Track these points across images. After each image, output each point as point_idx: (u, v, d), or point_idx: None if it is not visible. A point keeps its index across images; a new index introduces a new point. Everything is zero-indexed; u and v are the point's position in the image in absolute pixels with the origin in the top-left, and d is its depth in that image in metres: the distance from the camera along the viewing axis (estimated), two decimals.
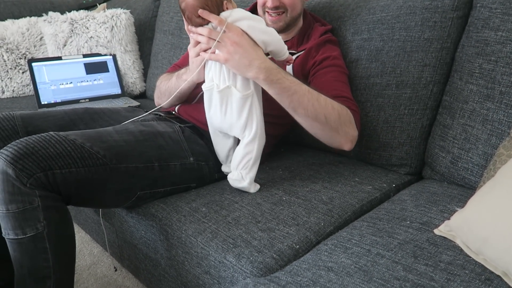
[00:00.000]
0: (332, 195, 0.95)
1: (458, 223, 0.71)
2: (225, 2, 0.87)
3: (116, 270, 1.28)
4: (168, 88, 1.12)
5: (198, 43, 0.89)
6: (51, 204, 0.79)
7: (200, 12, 0.84)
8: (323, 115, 0.89)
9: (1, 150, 0.78)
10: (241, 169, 0.93)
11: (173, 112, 1.15)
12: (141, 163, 0.90)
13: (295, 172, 1.07)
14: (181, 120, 1.11)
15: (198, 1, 0.84)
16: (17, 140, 0.80)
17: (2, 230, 0.80)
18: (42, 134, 0.82)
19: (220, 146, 1.01)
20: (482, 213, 0.66)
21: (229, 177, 0.96)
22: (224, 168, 1.05)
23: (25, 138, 0.81)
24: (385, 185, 1.01)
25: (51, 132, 0.83)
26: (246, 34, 0.85)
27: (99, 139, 0.87)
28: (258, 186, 0.97)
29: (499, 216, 0.63)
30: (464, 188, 0.95)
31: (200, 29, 0.86)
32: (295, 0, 1.08)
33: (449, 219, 0.76)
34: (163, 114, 1.15)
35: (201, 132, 1.06)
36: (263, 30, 0.87)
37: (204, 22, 0.87)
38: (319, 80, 1.02)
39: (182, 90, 1.04)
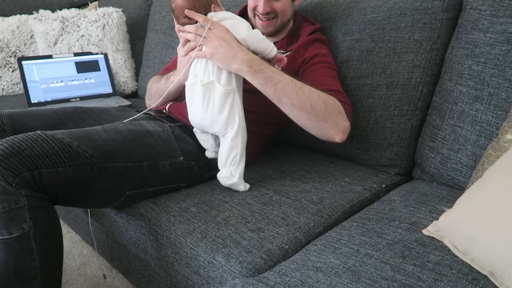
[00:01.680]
0: (322, 195, 0.95)
1: (446, 223, 0.71)
2: (212, 5, 0.93)
3: (105, 278, 1.27)
4: (157, 90, 1.13)
5: (186, 42, 0.94)
6: (37, 203, 0.78)
7: (187, 12, 0.89)
8: (308, 104, 0.89)
9: None
10: (229, 166, 0.94)
11: (164, 111, 1.15)
12: (130, 162, 0.90)
13: (286, 172, 1.07)
14: (171, 119, 1.10)
15: (186, 2, 0.90)
16: (2, 139, 0.79)
17: None
18: (29, 133, 0.81)
19: (205, 144, 1.03)
20: (469, 214, 0.67)
21: (219, 175, 0.96)
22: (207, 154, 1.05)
23: (11, 137, 0.80)
24: (375, 185, 1.01)
25: (38, 131, 0.82)
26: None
27: (87, 138, 0.86)
28: (248, 185, 0.97)
29: (485, 217, 0.64)
30: (453, 189, 0.95)
31: (187, 27, 0.91)
32: (286, 6, 1.09)
33: (437, 219, 0.76)
34: (153, 114, 1.14)
35: (191, 131, 1.06)
36: (243, 29, 0.91)
37: (191, 22, 0.92)
38: (308, 77, 1.02)
39: (170, 92, 1.06)
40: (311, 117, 0.91)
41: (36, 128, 1.02)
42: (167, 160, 0.97)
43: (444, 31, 1.01)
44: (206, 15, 0.91)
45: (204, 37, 0.89)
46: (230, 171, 0.94)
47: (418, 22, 1.02)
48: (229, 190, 0.97)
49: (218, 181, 0.99)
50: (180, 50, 0.97)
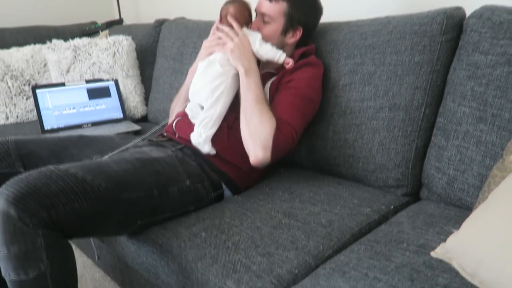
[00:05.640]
0: (331, 218, 0.96)
1: (454, 245, 0.72)
2: (250, 24, 1.21)
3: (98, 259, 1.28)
4: (180, 93, 1.34)
5: (216, 39, 1.19)
6: (54, 241, 0.79)
7: (230, 19, 1.16)
8: (249, 126, 1.07)
9: (1, 189, 0.77)
10: (201, 128, 1.11)
11: (164, 134, 1.20)
12: (142, 191, 0.92)
13: (295, 194, 1.09)
14: (173, 143, 1.15)
15: (235, 12, 1.18)
16: (16, 178, 0.80)
17: (2, 270, 0.79)
18: (42, 169, 0.83)
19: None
20: (476, 236, 0.67)
21: (191, 134, 1.12)
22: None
23: (25, 174, 0.81)
24: (383, 207, 1.02)
25: (51, 166, 0.84)
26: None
27: (99, 171, 0.89)
28: (214, 151, 1.11)
29: (492, 239, 0.64)
30: (461, 209, 0.96)
31: (225, 27, 1.16)
32: (269, 34, 1.17)
33: (445, 241, 0.77)
34: (154, 139, 1.18)
35: (193, 152, 1.11)
36: (256, 43, 1.15)
37: (230, 26, 1.18)
38: (273, 99, 1.14)
39: (187, 84, 1.27)
40: (243, 130, 1.08)
41: (41, 153, 1.07)
42: (175, 185, 1.00)
43: (444, 53, 1.03)
44: (246, 26, 1.19)
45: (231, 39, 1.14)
46: (200, 132, 1.11)
47: (417, 45, 1.04)
48: (239, 213, 0.99)
49: (226, 203, 1.01)
50: (207, 42, 1.21)
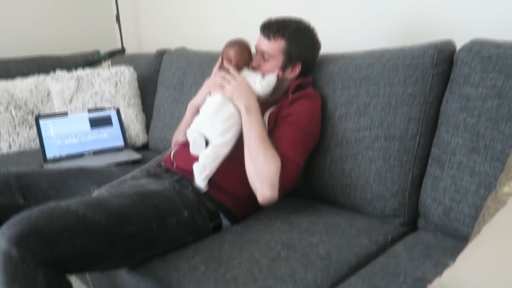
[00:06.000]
0: (329, 249, 0.96)
1: (449, 280, 0.72)
2: (250, 62, 1.26)
3: None
4: (181, 126, 1.37)
5: (218, 79, 1.23)
6: (54, 280, 0.79)
7: (226, 64, 1.23)
8: (254, 165, 1.08)
9: (2, 229, 0.78)
10: (207, 162, 1.12)
11: (162, 164, 1.23)
12: (141, 225, 0.94)
13: (293, 224, 1.10)
14: (170, 174, 1.17)
15: (235, 56, 1.24)
16: (18, 217, 0.80)
17: None
18: (44, 206, 0.84)
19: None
20: (470, 271, 0.68)
21: (194, 165, 1.12)
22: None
23: (27, 212, 0.82)
24: (381, 237, 1.03)
25: (53, 203, 0.86)
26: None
27: (99, 207, 0.90)
28: (206, 188, 1.12)
29: (486, 274, 0.65)
30: (458, 240, 0.96)
31: (219, 73, 1.23)
32: (270, 70, 1.21)
33: (441, 274, 0.77)
34: (152, 170, 1.20)
35: (189, 183, 1.13)
36: (255, 83, 1.20)
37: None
38: (275, 133, 1.16)
39: (187, 117, 1.33)
40: (249, 170, 1.10)
41: (40, 185, 1.09)
42: (174, 217, 1.01)
43: (436, 84, 1.06)
44: (244, 67, 1.25)
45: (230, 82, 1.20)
46: (205, 165, 1.12)
47: (410, 77, 1.07)
48: (238, 245, 1.00)
49: (225, 234, 1.03)
50: (209, 81, 1.26)
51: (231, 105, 1.17)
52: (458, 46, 1.08)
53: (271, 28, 1.19)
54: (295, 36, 1.20)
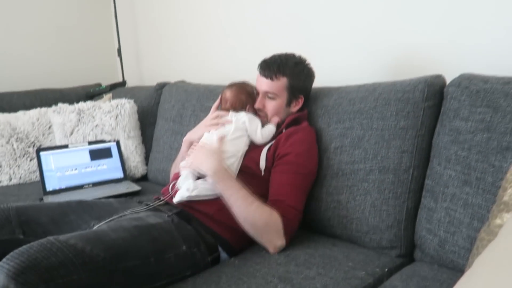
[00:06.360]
0: (326, 283, 0.96)
1: None
2: (248, 105, 1.30)
3: None
4: (178, 161, 1.42)
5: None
6: None
7: (214, 118, 1.30)
8: (249, 221, 1.09)
9: (2, 263, 0.79)
10: (198, 184, 1.16)
11: (161, 198, 1.24)
12: (139, 260, 0.94)
13: (290, 256, 1.10)
14: (169, 207, 1.19)
15: (231, 97, 1.31)
16: (17, 251, 0.82)
17: None
18: (43, 241, 0.85)
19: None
20: None
21: (186, 185, 1.16)
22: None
23: (26, 247, 0.83)
24: (377, 269, 1.03)
25: (51, 238, 0.87)
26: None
27: (98, 241, 0.91)
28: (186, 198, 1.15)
29: None
30: (454, 271, 0.97)
31: (215, 112, 1.33)
32: (276, 108, 1.26)
33: None
34: (152, 204, 1.22)
35: (189, 217, 1.14)
36: (259, 134, 1.25)
37: (227, 110, 1.32)
38: (272, 177, 1.18)
39: (183, 151, 1.38)
40: (250, 229, 1.10)
41: (40, 220, 1.10)
42: (172, 251, 1.02)
43: (427, 118, 1.09)
44: (243, 110, 1.29)
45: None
46: (194, 186, 1.15)
47: (402, 111, 1.11)
48: (235, 278, 0.99)
49: (223, 267, 1.04)
50: (207, 121, 1.32)
51: (228, 145, 1.20)
52: (448, 80, 1.12)
53: (272, 68, 1.25)
54: (295, 71, 1.26)
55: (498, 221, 0.85)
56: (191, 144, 1.32)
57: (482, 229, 0.88)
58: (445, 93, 1.09)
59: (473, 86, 1.03)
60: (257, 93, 1.29)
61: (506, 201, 0.86)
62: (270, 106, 1.26)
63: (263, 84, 1.26)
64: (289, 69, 1.25)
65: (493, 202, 0.92)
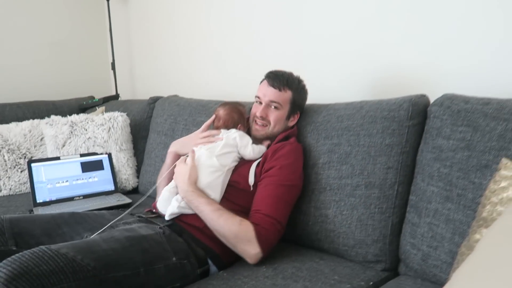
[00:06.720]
0: None
1: None
2: (239, 125, 1.36)
3: None
4: (164, 172, 1.43)
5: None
6: None
7: (202, 137, 1.34)
8: (221, 234, 1.13)
9: None
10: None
11: (154, 210, 1.27)
12: (128, 270, 0.95)
13: (278, 270, 1.11)
14: (161, 219, 1.21)
15: (224, 115, 1.37)
16: (10, 258, 0.83)
17: None
18: (35, 249, 0.87)
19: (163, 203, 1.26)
20: None
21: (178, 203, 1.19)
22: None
23: (18, 255, 0.84)
24: (362, 283, 1.05)
25: (43, 247, 0.88)
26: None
27: (89, 250, 0.93)
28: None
29: None
30: (436, 285, 0.99)
31: (207, 131, 1.38)
32: (279, 119, 1.30)
33: None
34: (144, 216, 1.24)
35: (181, 229, 1.16)
36: (250, 149, 1.29)
37: (218, 128, 1.38)
38: (257, 190, 1.21)
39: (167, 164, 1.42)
40: (224, 241, 1.14)
41: (34, 231, 1.11)
42: (162, 262, 1.03)
43: (412, 136, 1.13)
44: (234, 127, 1.35)
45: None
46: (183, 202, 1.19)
47: (387, 128, 1.15)
48: None
49: (211, 279, 1.06)
50: (198, 140, 1.36)
51: (215, 159, 1.24)
52: (432, 100, 1.16)
53: (281, 80, 1.30)
54: (299, 88, 1.34)
55: (477, 236, 0.88)
56: (176, 156, 1.36)
57: (463, 244, 0.91)
58: (428, 112, 1.14)
59: (454, 106, 1.07)
60: (260, 102, 1.33)
61: (485, 217, 0.90)
62: (274, 115, 1.30)
63: (269, 93, 1.30)
64: (294, 84, 1.33)
65: (473, 218, 0.96)
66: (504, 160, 0.94)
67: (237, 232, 1.10)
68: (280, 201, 1.16)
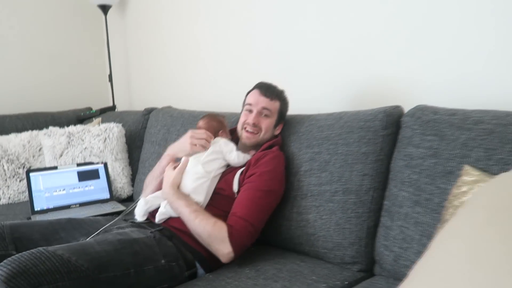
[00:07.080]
0: None
1: None
2: (221, 131, 1.45)
3: None
4: (156, 173, 1.50)
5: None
6: None
7: (190, 149, 1.39)
8: (197, 233, 1.20)
9: None
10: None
11: (146, 217, 1.34)
12: (119, 271, 1.02)
13: (260, 271, 1.18)
14: (152, 225, 1.28)
15: (204, 124, 1.47)
16: (10, 258, 0.90)
17: None
18: (33, 250, 0.94)
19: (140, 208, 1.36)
20: None
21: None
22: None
23: (18, 255, 0.91)
24: (338, 283, 1.12)
25: (41, 248, 0.95)
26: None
27: (83, 252, 0.99)
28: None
29: None
30: None
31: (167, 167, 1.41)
32: (269, 126, 1.39)
33: None
34: (136, 221, 1.31)
35: (171, 234, 1.23)
36: (234, 155, 1.37)
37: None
38: (238, 195, 1.28)
39: (162, 166, 1.47)
40: (200, 240, 1.21)
41: (33, 236, 1.18)
42: (151, 264, 1.10)
43: (386, 144, 1.21)
44: (215, 136, 1.42)
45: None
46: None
47: (363, 138, 1.23)
48: None
49: (197, 281, 1.13)
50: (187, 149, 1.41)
51: (200, 167, 1.32)
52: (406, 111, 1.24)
53: (271, 90, 1.41)
54: (285, 100, 1.45)
55: None
56: (172, 159, 1.44)
57: (429, 245, 0.98)
58: (401, 122, 1.22)
59: (425, 116, 1.15)
60: (250, 110, 1.40)
61: (448, 219, 0.97)
62: (265, 122, 1.38)
63: (261, 101, 1.38)
64: (283, 96, 1.44)
65: (438, 221, 1.03)
66: (466, 167, 1.02)
67: (211, 232, 1.17)
68: (256, 205, 1.23)
